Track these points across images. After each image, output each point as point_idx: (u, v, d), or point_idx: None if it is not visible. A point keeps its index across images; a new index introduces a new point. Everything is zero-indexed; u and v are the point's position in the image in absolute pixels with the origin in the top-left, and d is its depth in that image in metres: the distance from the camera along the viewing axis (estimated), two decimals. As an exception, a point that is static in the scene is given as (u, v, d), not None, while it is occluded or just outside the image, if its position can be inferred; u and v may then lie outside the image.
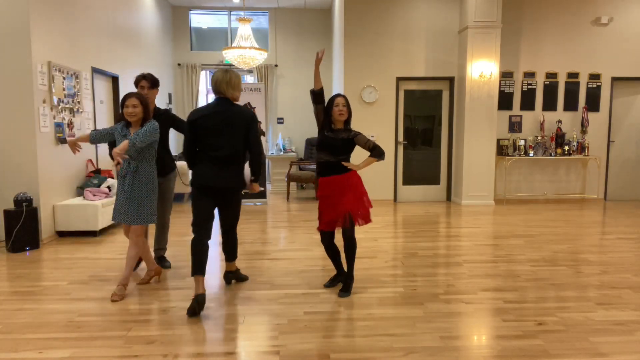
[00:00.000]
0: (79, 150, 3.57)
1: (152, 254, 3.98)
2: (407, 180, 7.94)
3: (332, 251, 3.63)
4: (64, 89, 5.44)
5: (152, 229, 4.13)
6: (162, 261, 4.19)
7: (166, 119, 3.93)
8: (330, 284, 3.68)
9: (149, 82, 3.88)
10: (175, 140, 9.06)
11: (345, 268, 3.66)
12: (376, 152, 3.44)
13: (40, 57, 5.00)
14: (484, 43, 7.26)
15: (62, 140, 5.31)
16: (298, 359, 2.55)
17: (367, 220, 3.51)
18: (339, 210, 3.44)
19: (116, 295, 3.39)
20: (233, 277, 3.81)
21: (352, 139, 3.45)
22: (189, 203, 5.35)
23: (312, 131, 10.10)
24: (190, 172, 3.49)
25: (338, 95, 3.51)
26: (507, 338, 2.80)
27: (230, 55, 8.16)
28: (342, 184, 3.47)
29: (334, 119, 3.48)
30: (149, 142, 3.41)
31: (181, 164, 7.49)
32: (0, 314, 3.16)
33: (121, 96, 6.92)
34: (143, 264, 4.07)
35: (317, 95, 3.54)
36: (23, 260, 4.44)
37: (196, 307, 3.10)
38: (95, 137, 3.51)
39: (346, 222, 3.42)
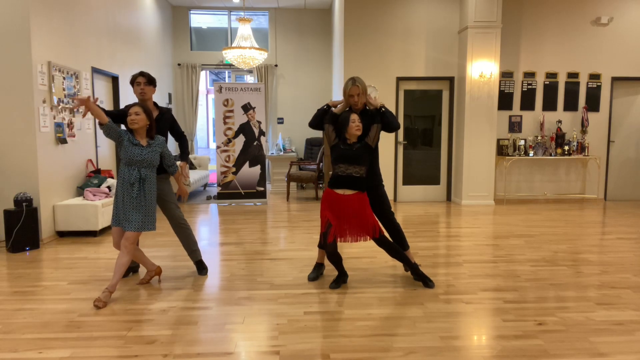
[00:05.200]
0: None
1: (149, 262, 3.95)
2: (407, 180, 7.95)
3: (336, 257, 3.61)
4: (64, 89, 5.44)
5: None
6: (199, 266, 4.01)
7: (167, 120, 3.93)
8: (336, 285, 3.67)
9: (145, 78, 3.78)
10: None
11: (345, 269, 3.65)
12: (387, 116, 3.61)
13: (40, 57, 5.00)
14: (484, 43, 7.26)
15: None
16: (298, 359, 2.55)
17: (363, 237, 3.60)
18: (363, 225, 3.52)
19: (100, 300, 3.27)
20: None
21: (366, 144, 3.54)
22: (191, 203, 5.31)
23: (312, 131, 10.12)
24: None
25: (350, 110, 3.63)
26: (507, 338, 2.80)
27: (230, 55, 8.16)
28: (355, 204, 3.52)
29: (350, 134, 3.53)
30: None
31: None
32: (0, 314, 3.16)
33: (121, 96, 7.04)
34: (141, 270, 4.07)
35: (333, 116, 3.67)
36: (23, 260, 4.44)
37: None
38: (109, 130, 3.34)
39: (375, 234, 3.54)
